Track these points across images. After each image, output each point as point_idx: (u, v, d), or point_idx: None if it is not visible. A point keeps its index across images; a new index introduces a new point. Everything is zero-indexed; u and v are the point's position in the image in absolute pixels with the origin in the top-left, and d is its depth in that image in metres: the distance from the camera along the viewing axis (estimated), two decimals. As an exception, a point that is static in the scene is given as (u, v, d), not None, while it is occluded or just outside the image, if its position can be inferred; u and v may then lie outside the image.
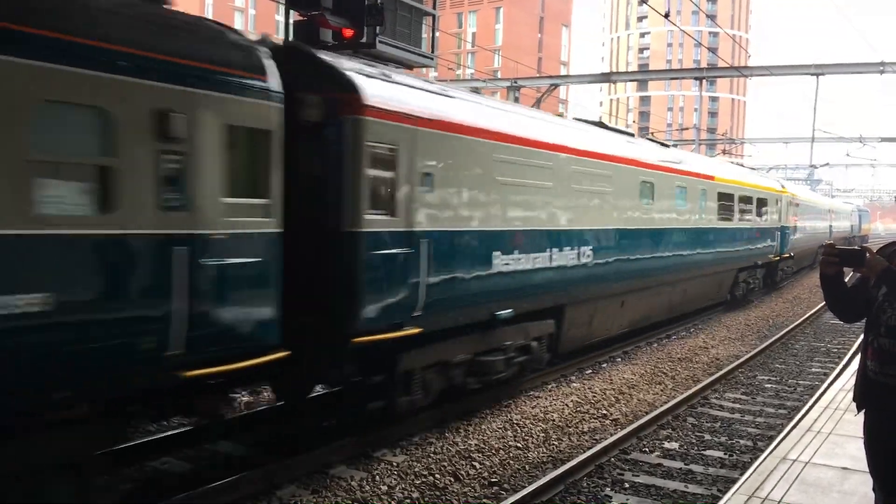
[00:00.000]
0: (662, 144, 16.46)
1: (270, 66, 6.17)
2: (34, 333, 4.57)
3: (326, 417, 8.41)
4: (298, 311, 6.46)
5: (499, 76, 61.44)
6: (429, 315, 7.79)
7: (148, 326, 5.21)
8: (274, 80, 6.16)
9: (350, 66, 7.29)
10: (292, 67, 6.55)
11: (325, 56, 7.27)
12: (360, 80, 7.13)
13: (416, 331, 7.63)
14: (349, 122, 6.93)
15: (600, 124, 13.72)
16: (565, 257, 10.42)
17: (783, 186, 24.56)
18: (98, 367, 5.00)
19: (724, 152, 44.56)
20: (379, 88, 7.34)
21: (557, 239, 10.24)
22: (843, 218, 50.04)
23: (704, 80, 31.14)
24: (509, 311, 9.11)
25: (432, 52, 9.79)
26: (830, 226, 37.09)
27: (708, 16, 29.18)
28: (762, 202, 21.08)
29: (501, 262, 8.98)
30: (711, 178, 17.18)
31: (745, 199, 19.41)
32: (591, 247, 11.11)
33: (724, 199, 17.69)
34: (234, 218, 5.78)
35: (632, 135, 14.99)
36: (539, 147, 9.87)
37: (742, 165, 26.25)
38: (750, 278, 21.19)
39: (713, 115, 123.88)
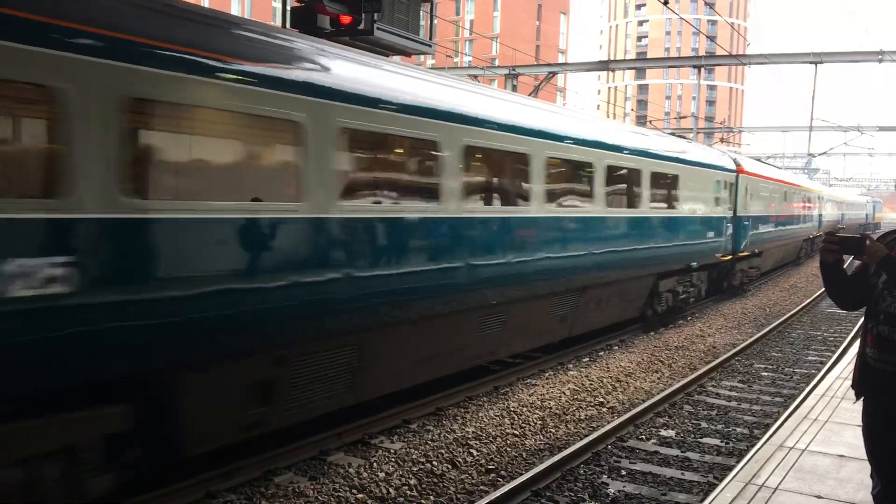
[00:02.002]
0: (779, 169, 32.48)
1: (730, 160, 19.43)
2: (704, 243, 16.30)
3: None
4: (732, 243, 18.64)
5: (496, 64, 61.21)
6: (746, 248, 19.73)
7: (719, 243, 17.30)
8: (733, 165, 18.68)
9: (736, 157, 20.34)
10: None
11: (730, 154, 20.46)
12: (742, 160, 19.98)
13: (746, 254, 19.92)
14: (740, 177, 18.79)
15: (757, 160, 27.96)
16: (768, 226, 22.77)
17: (820, 188, 39.87)
18: (709, 254, 16.70)
19: (721, 141, 44.50)
20: (746, 162, 20.44)
21: (763, 220, 22.04)
22: (859, 208, 67.44)
23: (702, 69, 31.07)
24: (756, 251, 21.31)
25: (430, 39, 9.75)
26: (842, 214, 52.28)
27: (706, 3, 29.10)
28: (813, 198, 34.35)
29: (759, 229, 21.28)
30: (800, 186, 30.89)
31: (808, 197, 32.72)
32: (771, 224, 23.41)
33: (802, 196, 30.94)
34: (725, 212, 17.58)
35: (777, 167, 32.02)
36: (765, 179, 22.56)
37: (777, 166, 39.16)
38: (806, 246, 34.36)
39: (711, 103, 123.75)
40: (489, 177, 9.25)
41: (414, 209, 7.54)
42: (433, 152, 7.81)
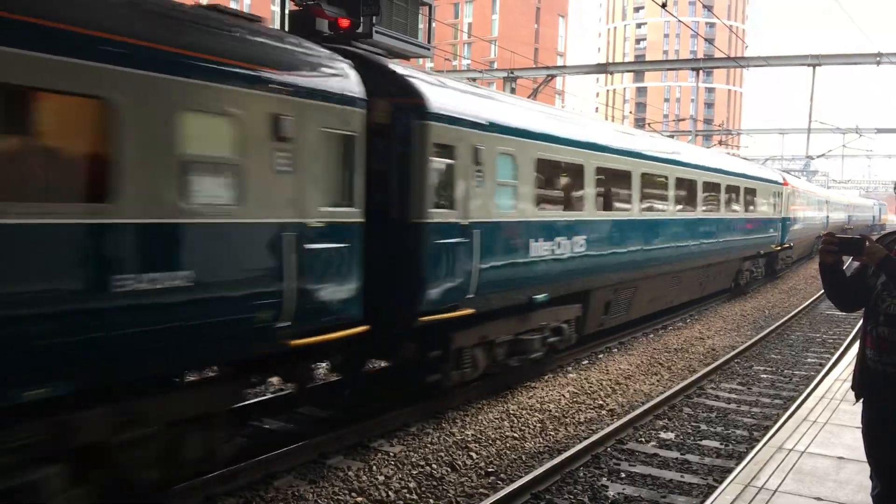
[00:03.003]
0: (798, 177, 39.06)
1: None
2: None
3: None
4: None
5: (495, 66, 61.23)
6: (787, 241, 25.47)
7: (774, 237, 23.66)
8: (781, 179, 25.81)
9: (782, 173, 28.95)
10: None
11: (777, 171, 30.31)
12: (785, 176, 27.96)
13: (786, 245, 25.69)
14: (784, 188, 25.07)
15: (793, 173, 38.96)
16: (798, 225, 27.64)
17: (828, 193, 48.04)
18: (769, 245, 23.61)
19: (720, 143, 44.53)
20: (787, 177, 28.21)
21: (795, 220, 27.24)
22: (866, 210, 73.37)
23: (701, 71, 31.12)
24: (790, 244, 26.33)
25: (429, 42, 9.75)
26: (849, 216, 58.51)
27: (705, 6, 29.23)
28: (823, 202, 40.96)
29: (793, 227, 26.47)
30: (817, 193, 37.68)
31: (822, 202, 39.41)
32: (800, 224, 28.88)
33: (818, 201, 37.28)
34: (777, 214, 23.57)
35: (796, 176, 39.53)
36: (796, 188, 28.48)
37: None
38: (817, 242, 38.58)
39: (709, 105, 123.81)
40: (685, 194, 15.30)
41: (662, 214, 14.08)
42: (658, 184, 14.17)
